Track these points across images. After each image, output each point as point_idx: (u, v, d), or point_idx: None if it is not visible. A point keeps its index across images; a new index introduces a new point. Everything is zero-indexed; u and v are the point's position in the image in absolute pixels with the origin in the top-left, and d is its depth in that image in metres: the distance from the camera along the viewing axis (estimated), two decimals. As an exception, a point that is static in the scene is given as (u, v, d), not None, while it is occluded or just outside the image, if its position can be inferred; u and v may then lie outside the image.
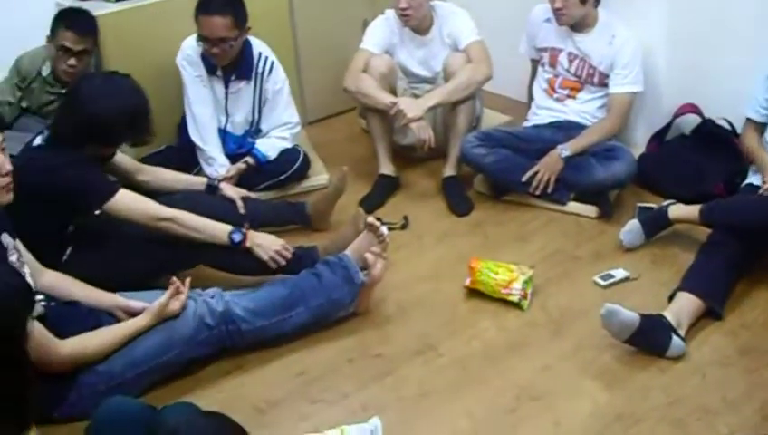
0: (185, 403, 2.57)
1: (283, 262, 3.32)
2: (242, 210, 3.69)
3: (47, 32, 4.02)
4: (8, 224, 2.79)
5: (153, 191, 3.68)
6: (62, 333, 2.68)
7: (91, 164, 3.20)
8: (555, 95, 4.12)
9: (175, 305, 2.95)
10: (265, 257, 3.31)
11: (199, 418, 1.78)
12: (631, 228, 3.58)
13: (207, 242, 3.26)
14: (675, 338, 2.93)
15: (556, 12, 3.86)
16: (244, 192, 3.83)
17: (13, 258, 2.72)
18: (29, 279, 2.61)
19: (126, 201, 3.16)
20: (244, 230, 3.30)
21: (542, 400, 2.82)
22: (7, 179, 2.56)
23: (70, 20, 3.95)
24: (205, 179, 3.81)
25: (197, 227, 3.25)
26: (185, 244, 3.25)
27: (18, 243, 2.83)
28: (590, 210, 3.88)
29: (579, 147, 3.87)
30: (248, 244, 3.28)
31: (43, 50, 4.10)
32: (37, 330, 1.97)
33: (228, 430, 1.71)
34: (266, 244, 3.34)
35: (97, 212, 3.14)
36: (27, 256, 2.87)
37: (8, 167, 2.55)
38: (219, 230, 3.27)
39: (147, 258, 3.27)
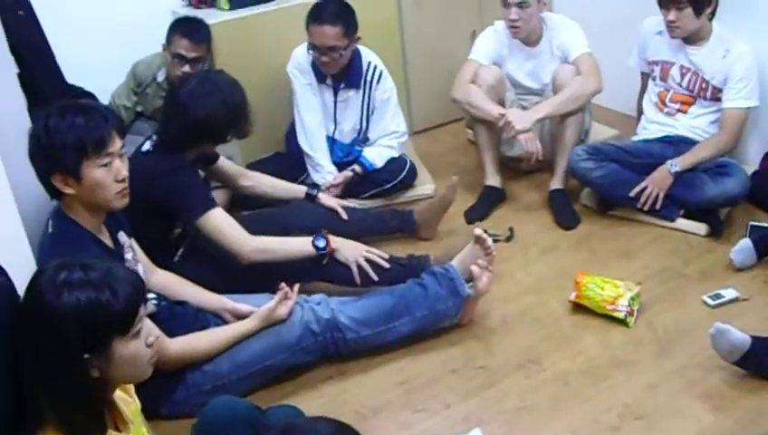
0: (289, 406, 2.63)
1: (368, 266, 3.35)
2: (344, 216, 3.75)
3: (162, 39, 4.15)
4: (125, 223, 2.89)
5: (255, 196, 3.80)
6: (170, 332, 2.76)
7: (194, 173, 3.30)
8: (666, 109, 4.04)
9: (282, 311, 3.01)
10: (351, 261, 3.35)
11: (318, 419, 1.78)
12: (742, 247, 3.49)
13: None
14: (788, 363, 2.85)
15: (669, 24, 3.79)
16: (343, 202, 3.88)
17: (128, 256, 2.83)
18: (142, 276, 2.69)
19: (217, 220, 3.20)
20: (323, 234, 3.34)
21: (645, 419, 2.78)
22: (124, 185, 2.64)
23: (186, 28, 4.07)
24: (305, 188, 3.87)
25: (281, 250, 3.30)
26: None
27: (133, 242, 2.94)
28: (700, 228, 3.80)
29: (689, 162, 3.79)
30: (333, 245, 3.33)
31: (159, 56, 4.22)
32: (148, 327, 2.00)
33: (343, 430, 1.71)
34: (350, 246, 3.39)
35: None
36: (141, 255, 2.97)
37: (125, 173, 2.62)
38: (303, 243, 3.31)
39: (253, 268, 3.31)
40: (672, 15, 3.75)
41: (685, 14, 3.74)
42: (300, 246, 3.31)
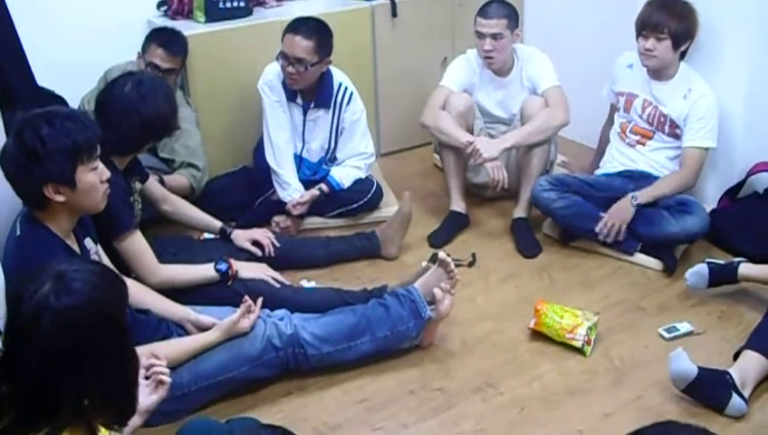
0: (250, 418, 2.62)
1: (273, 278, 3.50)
2: (258, 253, 3.78)
3: (137, 47, 4.16)
4: (91, 230, 2.90)
5: (174, 221, 3.84)
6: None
7: (126, 192, 3.30)
8: (627, 140, 4.12)
9: (245, 324, 3.02)
10: (259, 273, 3.47)
11: (261, 428, 1.81)
12: (698, 270, 3.54)
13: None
14: (735, 396, 2.90)
15: (645, 51, 3.86)
16: (257, 235, 3.86)
17: (94, 262, 2.82)
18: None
19: (134, 245, 3.20)
20: (225, 259, 3.42)
21: (599, 448, 2.83)
22: (107, 185, 2.68)
23: (163, 38, 4.09)
24: (220, 224, 3.83)
25: (186, 278, 3.36)
26: None
27: (99, 248, 2.95)
28: (657, 263, 3.87)
29: (650, 196, 3.86)
30: (235, 268, 3.41)
31: (132, 64, 4.21)
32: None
33: None
34: (253, 266, 3.53)
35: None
36: (106, 260, 2.97)
37: (107, 173, 2.67)
38: (206, 269, 3.39)
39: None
40: (650, 44, 3.83)
41: (662, 45, 3.83)
42: (204, 272, 3.39)
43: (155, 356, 2.61)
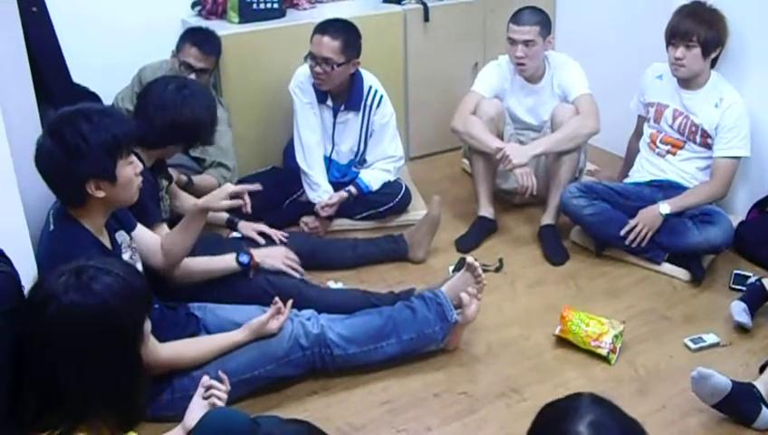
0: (275, 417, 2.64)
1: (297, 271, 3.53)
2: (262, 242, 3.80)
3: (171, 46, 4.20)
4: (126, 221, 2.94)
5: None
6: (160, 336, 2.78)
7: (155, 186, 3.34)
8: (657, 150, 4.11)
9: (273, 325, 3.05)
10: (280, 265, 3.48)
11: (289, 423, 1.83)
12: (742, 310, 3.47)
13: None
14: (765, 409, 2.89)
15: (675, 61, 3.86)
16: (263, 227, 3.91)
17: (126, 256, 2.85)
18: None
19: (153, 238, 3.17)
20: (246, 251, 3.44)
21: (622, 456, 2.83)
22: (141, 178, 2.71)
23: (197, 38, 4.13)
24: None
25: (207, 270, 3.36)
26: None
27: (137, 232, 3.01)
28: (684, 273, 3.86)
29: (679, 206, 3.85)
30: (257, 259, 3.42)
31: (166, 63, 4.26)
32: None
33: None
34: (274, 253, 3.55)
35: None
36: (136, 255, 2.98)
37: (140, 165, 2.72)
38: (228, 261, 3.39)
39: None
40: (680, 53, 3.83)
41: (692, 54, 3.83)
42: (225, 263, 3.39)
43: (219, 379, 2.65)
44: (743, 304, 3.49)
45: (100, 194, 2.57)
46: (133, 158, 2.66)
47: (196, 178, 4.04)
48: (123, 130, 2.58)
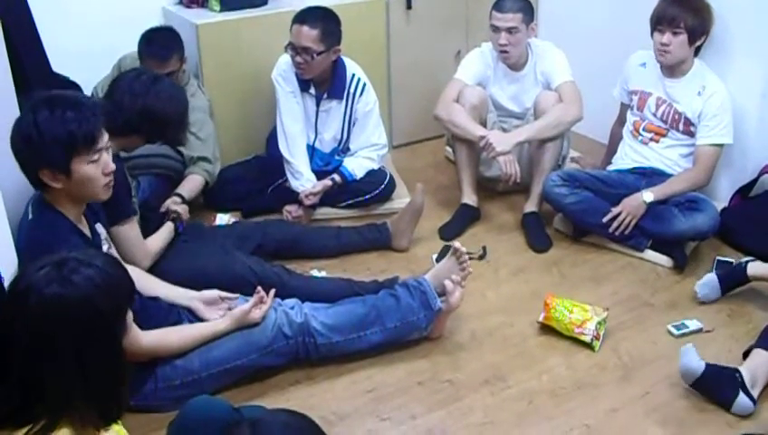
0: (258, 406, 2.64)
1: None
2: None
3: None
4: (102, 215, 2.93)
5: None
6: (142, 325, 2.76)
7: (125, 179, 3.27)
8: (639, 138, 4.12)
9: (256, 314, 3.03)
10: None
11: (280, 412, 1.82)
12: (707, 282, 3.56)
13: None
14: (742, 395, 2.90)
15: (661, 47, 3.86)
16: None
17: (104, 247, 2.85)
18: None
19: (134, 232, 3.20)
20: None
21: (605, 441, 2.85)
22: (110, 177, 2.67)
23: (152, 49, 3.98)
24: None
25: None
26: None
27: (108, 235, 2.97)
28: (666, 260, 3.87)
29: (662, 194, 3.85)
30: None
31: (145, 52, 4.20)
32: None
33: (310, 425, 1.75)
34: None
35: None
36: (113, 249, 2.99)
37: (112, 166, 2.66)
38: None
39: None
40: (666, 39, 3.83)
41: (678, 40, 3.82)
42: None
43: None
44: (712, 277, 3.56)
45: (57, 185, 2.57)
46: (99, 157, 2.60)
47: (184, 191, 3.94)
48: (84, 128, 2.53)
